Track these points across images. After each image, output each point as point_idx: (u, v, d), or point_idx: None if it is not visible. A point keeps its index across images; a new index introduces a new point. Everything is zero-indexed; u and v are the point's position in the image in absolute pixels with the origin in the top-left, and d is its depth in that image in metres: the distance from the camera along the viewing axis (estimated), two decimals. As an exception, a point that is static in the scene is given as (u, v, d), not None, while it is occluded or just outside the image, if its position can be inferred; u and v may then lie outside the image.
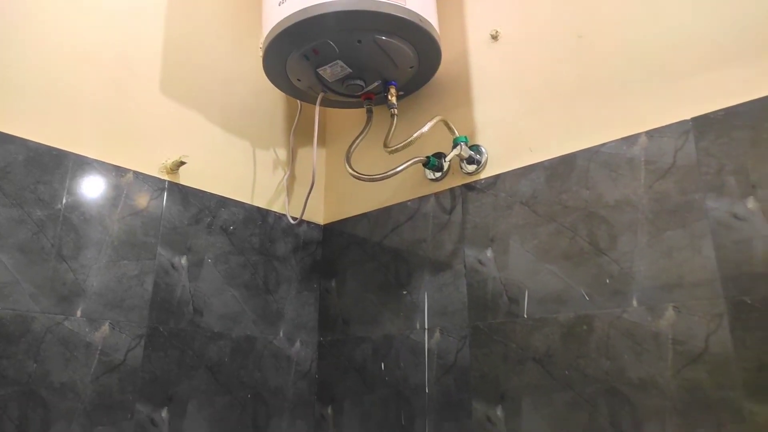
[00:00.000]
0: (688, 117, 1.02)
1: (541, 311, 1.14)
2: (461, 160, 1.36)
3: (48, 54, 1.19)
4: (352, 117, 1.69)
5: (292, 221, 1.52)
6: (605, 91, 1.16)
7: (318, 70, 1.33)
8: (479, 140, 1.36)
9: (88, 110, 1.24)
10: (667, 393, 0.95)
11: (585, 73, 1.20)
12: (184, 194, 1.36)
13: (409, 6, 1.22)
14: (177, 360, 1.27)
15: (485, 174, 1.33)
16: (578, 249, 1.12)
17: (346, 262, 1.56)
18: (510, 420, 1.13)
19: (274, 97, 1.63)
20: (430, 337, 1.32)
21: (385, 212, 1.51)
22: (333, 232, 1.63)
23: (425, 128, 1.29)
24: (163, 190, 1.32)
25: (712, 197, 0.97)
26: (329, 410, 1.48)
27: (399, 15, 1.21)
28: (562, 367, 1.09)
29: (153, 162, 1.32)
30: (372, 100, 1.44)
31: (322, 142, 1.77)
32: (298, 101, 1.62)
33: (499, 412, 1.16)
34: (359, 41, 1.25)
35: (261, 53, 1.33)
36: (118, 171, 1.25)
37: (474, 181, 1.34)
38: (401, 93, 1.48)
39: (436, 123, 1.34)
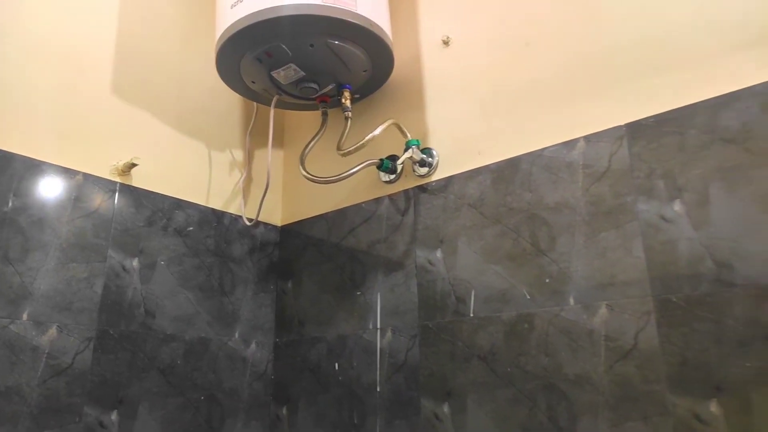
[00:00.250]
0: (622, 123, 1.07)
1: (487, 310, 1.17)
2: (413, 162, 1.38)
3: (-7, 54, 1.18)
4: (311, 119, 1.71)
5: (247, 223, 1.52)
6: (549, 96, 1.20)
7: (272, 72, 1.34)
8: (431, 143, 1.39)
9: (36, 111, 1.23)
10: (600, 388, 0.99)
11: (531, 79, 1.24)
12: (136, 196, 1.36)
13: (360, 11, 1.24)
14: (128, 362, 1.27)
15: (436, 176, 1.36)
16: (521, 250, 1.15)
17: (303, 264, 1.58)
18: (456, 416, 1.17)
19: (230, 99, 1.63)
20: (382, 337, 1.35)
21: (341, 214, 1.53)
22: (290, 233, 1.65)
23: (377, 131, 1.32)
24: (114, 192, 1.32)
25: (642, 200, 1.01)
26: (284, 410, 1.49)
27: (350, 20, 1.23)
28: (504, 365, 1.12)
29: (104, 164, 1.32)
30: (327, 102, 1.46)
31: (281, 143, 1.78)
32: (254, 103, 1.63)
33: (446, 409, 1.19)
34: (312, 45, 1.27)
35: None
36: (67, 173, 1.24)
37: (425, 184, 1.37)
38: (357, 96, 1.50)
39: (389, 126, 1.37)
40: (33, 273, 1.15)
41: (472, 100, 1.34)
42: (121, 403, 1.24)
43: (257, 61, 1.31)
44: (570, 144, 1.13)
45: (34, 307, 1.14)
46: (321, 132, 1.46)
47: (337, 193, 1.55)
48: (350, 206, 1.51)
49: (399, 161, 1.36)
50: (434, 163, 1.37)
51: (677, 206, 0.97)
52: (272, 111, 1.43)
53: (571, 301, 1.06)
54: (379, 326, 1.36)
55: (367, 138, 1.30)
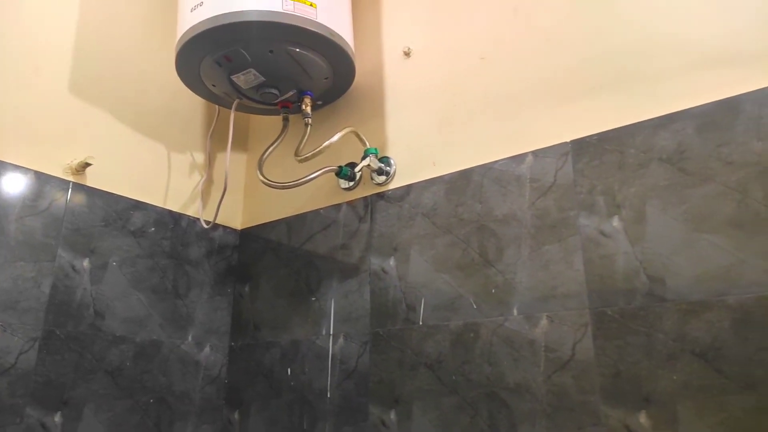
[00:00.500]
0: (568, 139, 1.10)
1: (435, 318, 1.19)
2: (372, 171, 1.40)
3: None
4: (276, 123, 1.70)
5: (205, 225, 1.52)
6: (501, 110, 1.23)
7: (231, 77, 1.34)
8: (389, 152, 1.41)
9: (-14, 107, 1.21)
10: (539, 397, 1.01)
11: (485, 93, 1.27)
12: (89, 196, 1.34)
13: (319, 20, 1.26)
14: (74, 364, 1.25)
15: (393, 185, 1.37)
16: (470, 260, 1.17)
17: (261, 268, 1.58)
18: (402, 423, 1.18)
19: (192, 101, 1.63)
20: (334, 343, 1.35)
21: (300, 219, 1.53)
22: (250, 237, 1.65)
23: (334, 138, 1.33)
24: (66, 190, 1.30)
25: (584, 215, 1.04)
26: (236, 415, 1.49)
27: (309, 28, 1.24)
28: (450, 373, 1.14)
29: (57, 162, 1.30)
30: (289, 108, 1.46)
31: (244, 147, 1.78)
32: (216, 106, 1.63)
33: (392, 415, 1.20)
34: (271, 51, 1.28)
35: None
36: (17, 170, 1.23)
37: (382, 192, 1.38)
38: (319, 102, 1.51)
39: (347, 134, 1.38)
40: (-24, 271, 1.13)
41: (430, 111, 1.36)
42: (66, 405, 1.22)
43: (217, 65, 1.31)
44: (519, 158, 1.16)
45: (-24, 305, 1.12)
46: (281, 137, 1.47)
47: (297, 198, 1.56)
48: (309, 212, 1.52)
49: (356, 169, 1.37)
50: (392, 172, 1.38)
51: (615, 222, 1.00)
52: (232, 114, 1.43)
53: (515, 311, 1.08)
54: (332, 332, 1.36)
55: (324, 145, 1.31)
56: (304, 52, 1.30)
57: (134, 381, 1.35)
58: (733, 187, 0.90)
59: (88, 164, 1.31)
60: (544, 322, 1.04)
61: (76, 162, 1.31)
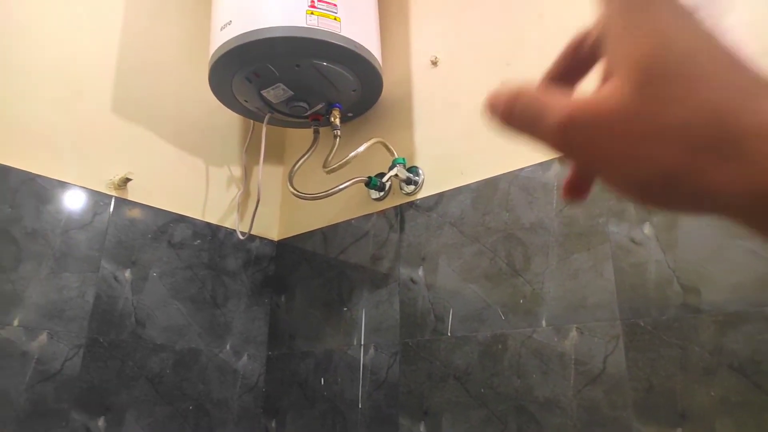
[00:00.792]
0: (596, 144, 1.06)
1: (463, 329, 1.17)
2: (400, 180, 1.40)
3: (-3, 74, 1.25)
4: (311, 136, 1.74)
5: (240, 237, 1.56)
6: (529, 116, 1.20)
7: (262, 92, 1.38)
8: (418, 162, 1.41)
9: (34, 127, 1.29)
10: (569, 412, 0.98)
11: (512, 99, 1.24)
12: (131, 209, 1.41)
13: (343, 33, 1.27)
14: (117, 370, 1.30)
15: (422, 195, 1.37)
16: (497, 269, 1.15)
17: (296, 278, 1.60)
18: (430, 436, 1.16)
19: (228, 117, 1.68)
20: (365, 353, 1.35)
21: (332, 230, 1.55)
22: (286, 248, 1.67)
23: (360, 149, 1.34)
24: (109, 205, 1.37)
25: (614, 222, 1.00)
26: (273, 423, 1.51)
27: (333, 42, 1.26)
28: (478, 385, 1.11)
29: (100, 178, 1.37)
30: (319, 121, 1.49)
31: (280, 159, 1.82)
32: (251, 120, 1.67)
33: (422, 427, 1.18)
34: (298, 66, 1.30)
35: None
36: (62, 186, 1.30)
37: (411, 202, 1.38)
38: (350, 114, 1.53)
39: (375, 144, 1.39)
40: (25, 282, 1.20)
41: (457, 120, 1.35)
42: (109, 410, 1.27)
43: (247, 81, 1.35)
44: (545, 165, 1.13)
45: (25, 314, 1.19)
46: (311, 150, 1.49)
47: (330, 209, 1.58)
48: (341, 222, 1.53)
49: (384, 179, 1.37)
50: (420, 182, 1.38)
51: (647, 229, 0.95)
52: (264, 128, 1.47)
53: (544, 322, 1.05)
54: (363, 342, 1.37)
55: (350, 156, 1.32)
56: (330, 66, 1.32)
57: (174, 388, 1.39)
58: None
59: (128, 179, 1.37)
60: (573, 333, 1.00)
61: (117, 177, 1.38)
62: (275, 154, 1.81)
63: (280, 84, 1.34)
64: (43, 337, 1.21)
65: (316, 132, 1.50)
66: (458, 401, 1.14)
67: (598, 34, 0.26)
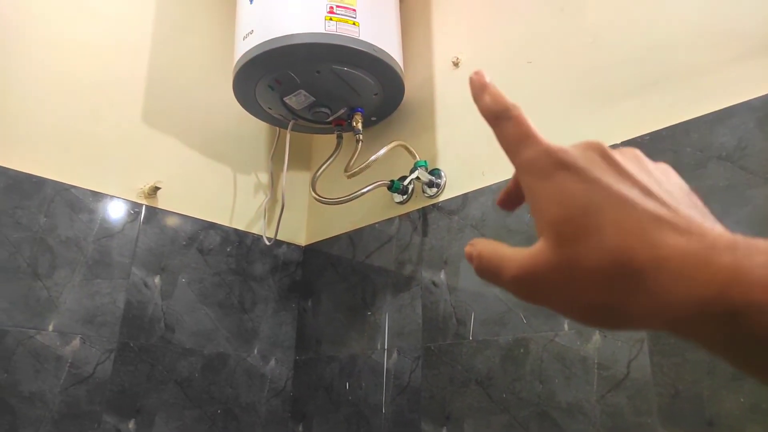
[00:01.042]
0: (618, 141, 1.03)
1: (485, 333, 1.15)
2: (423, 183, 1.39)
3: (28, 85, 1.31)
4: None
5: (267, 242, 1.58)
6: (549, 114, 1.18)
7: (284, 99, 1.40)
8: (440, 164, 1.40)
9: (67, 139, 1.34)
10: (592, 418, 0.95)
11: (532, 97, 1.22)
12: (160, 217, 1.45)
13: (362, 37, 1.28)
14: (146, 374, 1.34)
15: (444, 197, 1.36)
16: (519, 272, 1.12)
17: (322, 283, 1.61)
18: (453, 441, 1.14)
19: (255, 125, 1.71)
20: (388, 358, 1.35)
21: (357, 234, 1.55)
22: (312, 253, 1.69)
23: (381, 152, 1.34)
24: (139, 213, 1.41)
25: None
26: (300, 427, 1.52)
27: (352, 46, 1.26)
28: (500, 390, 1.09)
29: (130, 187, 1.42)
30: (343, 126, 1.50)
31: (307, 165, 1.84)
32: (276, 128, 1.70)
33: (444, 433, 1.17)
34: (318, 72, 1.31)
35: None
36: (95, 196, 1.35)
37: (433, 204, 1.37)
38: (373, 119, 1.53)
39: (397, 148, 1.38)
40: (59, 288, 1.25)
41: (478, 120, 1.32)
42: (139, 413, 1.31)
43: (269, 89, 1.37)
44: (567, 163, 1.10)
45: (59, 319, 1.23)
46: (335, 155, 1.50)
47: (355, 214, 1.58)
48: (365, 227, 1.53)
49: (405, 182, 1.37)
50: (442, 184, 1.37)
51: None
52: (288, 135, 1.49)
53: (566, 326, 1.02)
54: (386, 347, 1.36)
55: (370, 159, 1.32)
56: (350, 70, 1.32)
57: (202, 392, 1.42)
58: (804, 184, 0.79)
59: (157, 188, 1.41)
60: (596, 337, 0.97)
61: (147, 186, 1.42)
62: (302, 160, 1.83)
63: (302, 90, 1.36)
64: (77, 341, 1.25)
65: (339, 137, 1.51)
66: (480, 406, 1.12)
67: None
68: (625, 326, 0.23)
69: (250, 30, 1.31)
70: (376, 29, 1.32)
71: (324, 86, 1.36)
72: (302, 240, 1.74)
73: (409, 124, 1.52)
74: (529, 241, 1.09)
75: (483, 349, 1.14)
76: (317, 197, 1.40)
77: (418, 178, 1.36)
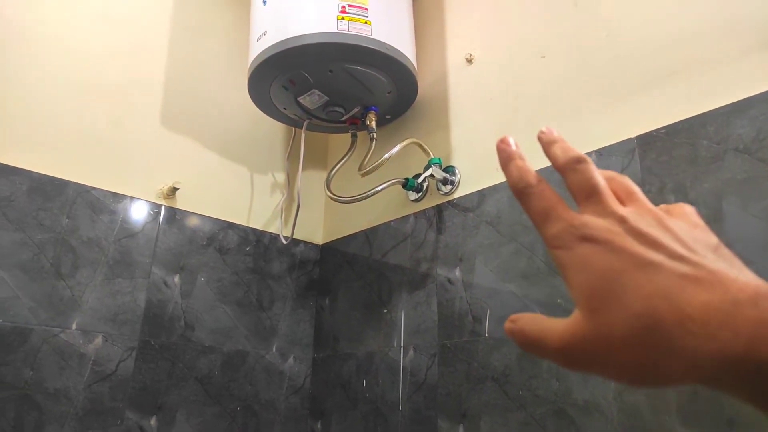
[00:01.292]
0: (633, 135, 1.01)
1: (500, 330, 1.14)
2: (437, 180, 1.39)
3: (49, 90, 1.34)
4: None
5: (284, 241, 1.59)
6: (563, 109, 1.16)
7: (298, 99, 1.41)
8: (454, 161, 1.39)
9: (88, 142, 1.37)
10: (609, 416, 0.93)
11: (546, 93, 1.21)
12: (179, 217, 1.47)
13: (374, 36, 1.28)
14: (167, 371, 1.36)
15: (458, 194, 1.35)
16: (535, 269, 1.12)
17: (339, 281, 1.62)
18: (469, 439, 1.14)
19: (271, 125, 1.72)
20: (405, 355, 1.35)
21: (373, 232, 1.56)
22: (330, 251, 1.70)
23: (394, 150, 1.34)
24: (158, 213, 1.44)
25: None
26: (319, 425, 1.53)
27: (364, 45, 1.27)
28: (516, 387, 1.09)
29: (150, 188, 1.44)
30: (357, 125, 1.50)
31: (324, 164, 1.85)
32: (292, 128, 1.71)
33: (461, 430, 1.17)
34: (330, 71, 1.32)
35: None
36: (115, 197, 1.38)
37: (447, 201, 1.36)
38: (388, 117, 1.54)
39: (410, 145, 1.38)
40: (82, 287, 1.28)
41: (492, 117, 1.32)
42: (160, 410, 1.34)
43: (283, 89, 1.38)
44: (581, 158, 1.08)
45: (82, 318, 1.26)
46: (349, 154, 1.51)
47: (371, 212, 1.58)
48: (380, 225, 1.54)
49: (420, 179, 1.37)
50: (456, 181, 1.36)
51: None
52: (303, 135, 1.50)
53: (582, 322, 1.01)
54: (402, 344, 1.36)
55: (384, 157, 1.33)
56: (363, 69, 1.33)
57: (222, 389, 1.44)
58: (826, 176, 0.77)
59: (176, 189, 1.43)
60: (612, 334, 0.96)
61: (166, 187, 1.45)
62: (319, 159, 1.84)
63: (315, 90, 1.37)
64: (99, 339, 1.28)
65: (354, 136, 1.52)
66: (496, 404, 1.11)
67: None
68: (666, 384, 0.24)
69: (263, 31, 1.32)
70: (389, 27, 1.32)
71: (337, 85, 1.36)
72: (319, 238, 1.75)
73: (423, 122, 1.52)
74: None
75: (499, 347, 1.14)
76: (332, 196, 1.41)
77: (432, 175, 1.36)
